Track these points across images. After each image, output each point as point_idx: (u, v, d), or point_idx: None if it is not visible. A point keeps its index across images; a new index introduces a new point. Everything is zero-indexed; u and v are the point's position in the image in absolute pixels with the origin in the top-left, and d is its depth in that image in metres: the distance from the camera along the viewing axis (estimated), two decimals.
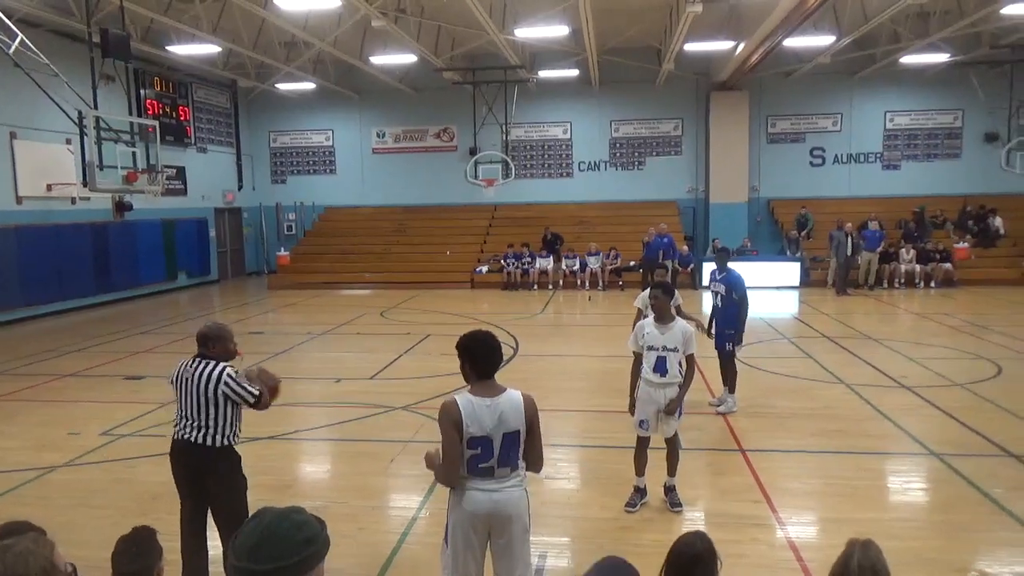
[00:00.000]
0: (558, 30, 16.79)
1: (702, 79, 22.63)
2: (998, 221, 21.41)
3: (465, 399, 3.55)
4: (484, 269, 21.64)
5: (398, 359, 11.85)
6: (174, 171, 20.83)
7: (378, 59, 19.73)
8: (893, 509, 6.20)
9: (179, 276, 21.79)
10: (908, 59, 20.15)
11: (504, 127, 22.63)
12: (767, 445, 7.49)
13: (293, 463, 7.55)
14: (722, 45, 18.57)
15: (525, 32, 16.96)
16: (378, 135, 25.22)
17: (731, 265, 9.33)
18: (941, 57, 20.02)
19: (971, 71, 21.53)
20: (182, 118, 22.00)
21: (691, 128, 23.82)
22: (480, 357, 3.60)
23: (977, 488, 6.22)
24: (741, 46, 17.67)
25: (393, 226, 24.20)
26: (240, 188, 25.19)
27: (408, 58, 19.65)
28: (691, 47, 18.32)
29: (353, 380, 10.51)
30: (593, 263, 20.83)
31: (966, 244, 20.63)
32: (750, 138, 23.09)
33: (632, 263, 20.51)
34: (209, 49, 18.47)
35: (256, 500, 3.93)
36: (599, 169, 24.42)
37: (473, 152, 22.72)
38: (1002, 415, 8.29)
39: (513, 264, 21.12)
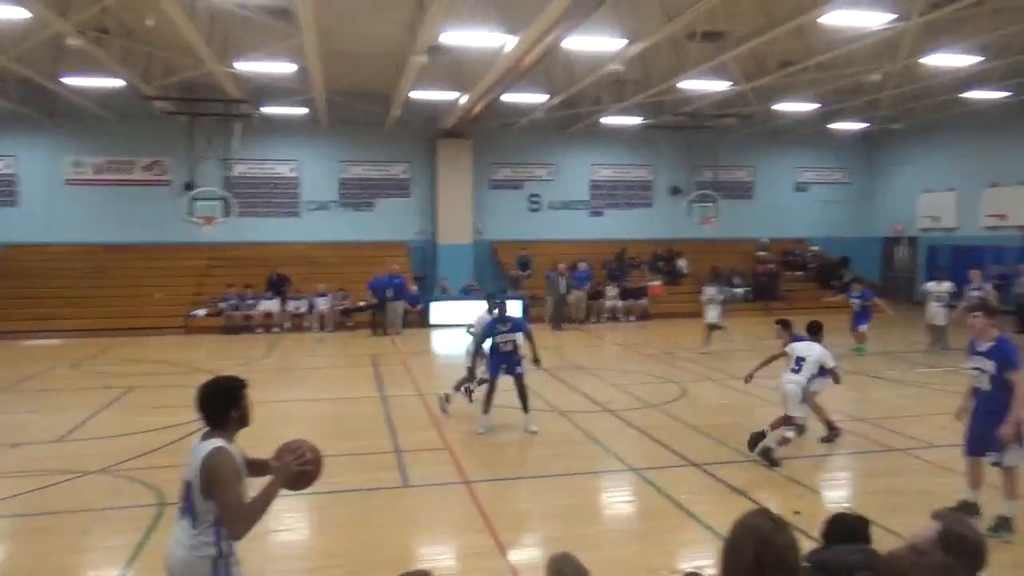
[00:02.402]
0: (284, 67, 16.32)
1: (429, 125, 23.41)
2: (683, 262, 24.80)
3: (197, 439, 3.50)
4: (201, 312, 20.06)
5: (94, 417, 10.43)
6: None
7: (75, 81, 17.57)
8: (600, 523, 6.74)
9: None
10: (607, 119, 22.71)
11: (225, 163, 21.38)
12: (489, 475, 7.75)
13: None
14: (447, 95, 19.41)
15: (247, 66, 16.26)
16: (74, 165, 22.38)
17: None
18: (635, 120, 22.85)
19: (658, 133, 24.83)
20: None
21: (420, 171, 24.46)
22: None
23: (668, 496, 6.99)
24: (464, 97, 18.63)
25: (92, 266, 21.48)
26: None
27: (112, 82, 17.74)
28: (417, 95, 18.90)
29: (35, 444, 9.02)
30: (322, 304, 20.31)
31: (658, 282, 23.58)
32: (475, 183, 24.28)
33: (362, 303, 20.34)
34: None
35: None
36: (328, 209, 24.02)
37: (189, 187, 21.11)
38: (686, 430, 9.46)
39: (234, 306, 19.85)
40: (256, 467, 3.64)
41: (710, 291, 16.29)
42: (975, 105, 20.93)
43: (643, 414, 10.38)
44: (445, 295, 21.93)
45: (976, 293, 13.19)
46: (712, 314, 15.89)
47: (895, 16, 12.70)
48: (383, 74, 19.36)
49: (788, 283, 24.62)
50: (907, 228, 26.00)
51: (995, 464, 6.08)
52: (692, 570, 2.67)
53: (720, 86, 18.13)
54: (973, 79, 18.28)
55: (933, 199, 24.88)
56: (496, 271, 24.76)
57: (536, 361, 9.75)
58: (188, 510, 3.38)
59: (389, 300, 19.67)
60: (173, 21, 12.31)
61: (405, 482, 7.53)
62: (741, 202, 26.58)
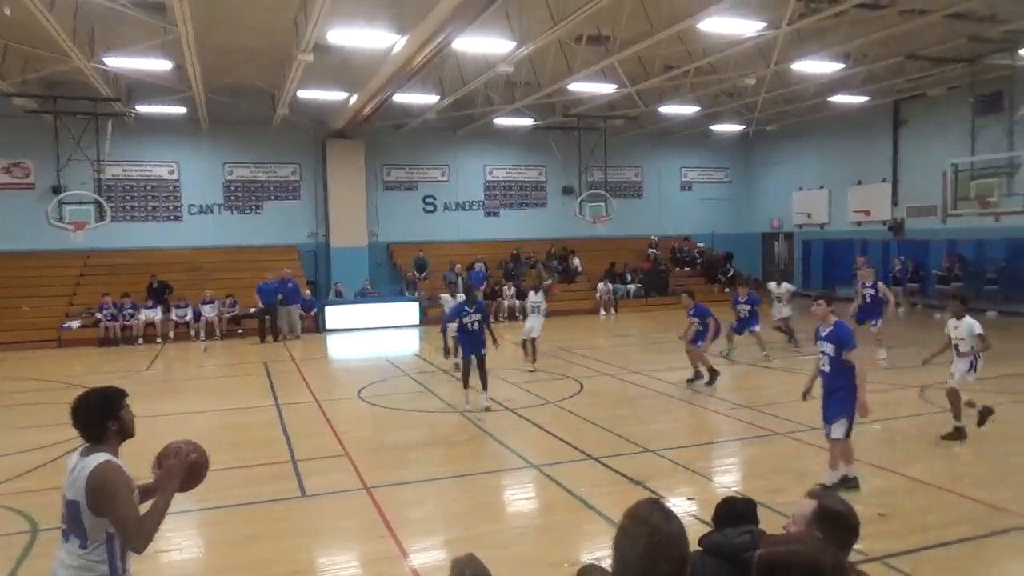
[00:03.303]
0: (159, 64, 15.51)
1: (318, 126, 22.85)
2: (576, 261, 25.32)
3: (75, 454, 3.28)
4: (75, 324, 18.78)
5: None
6: None
7: None
8: (502, 520, 6.77)
9: None
10: (500, 121, 22.88)
11: (96, 164, 20.09)
12: (389, 480, 7.64)
13: None
14: (335, 95, 19.01)
15: (119, 62, 15.34)
16: None
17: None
18: (526, 121, 23.13)
19: (550, 134, 25.24)
20: None
21: (309, 173, 23.83)
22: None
23: (567, 490, 7.10)
24: (354, 98, 18.29)
25: None
26: None
27: None
28: (305, 94, 18.41)
29: None
30: (208, 312, 19.46)
31: (553, 281, 23.95)
32: (367, 185, 23.91)
33: (252, 310, 19.62)
34: None
35: None
36: (213, 212, 23.02)
37: (57, 191, 19.68)
38: (584, 424, 9.66)
39: (111, 316, 18.70)
40: (148, 493, 3.42)
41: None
42: (840, 108, 22.45)
43: (542, 411, 10.52)
44: (340, 299, 21.47)
45: (869, 290, 13.34)
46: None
47: (766, 24, 13.45)
48: (268, 72, 18.75)
49: (677, 278, 25.57)
50: (784, 224, 27.56)
51: (826, 435, 6.70)
52: (591, 562, 2.72)
53: (607, 88, 18.63)
54: (837, 84, 19.61)
55: (806, 196, 26.51)
56: (392, 273, 24.48)
57: (495, 342, 10.92)
58: (75, 530, 3.16)
59: (279, 305, 19.06)
60: (30, 11, 11.45)
61: (303, 492, 7.32)
62: (631, 201, 27.41)
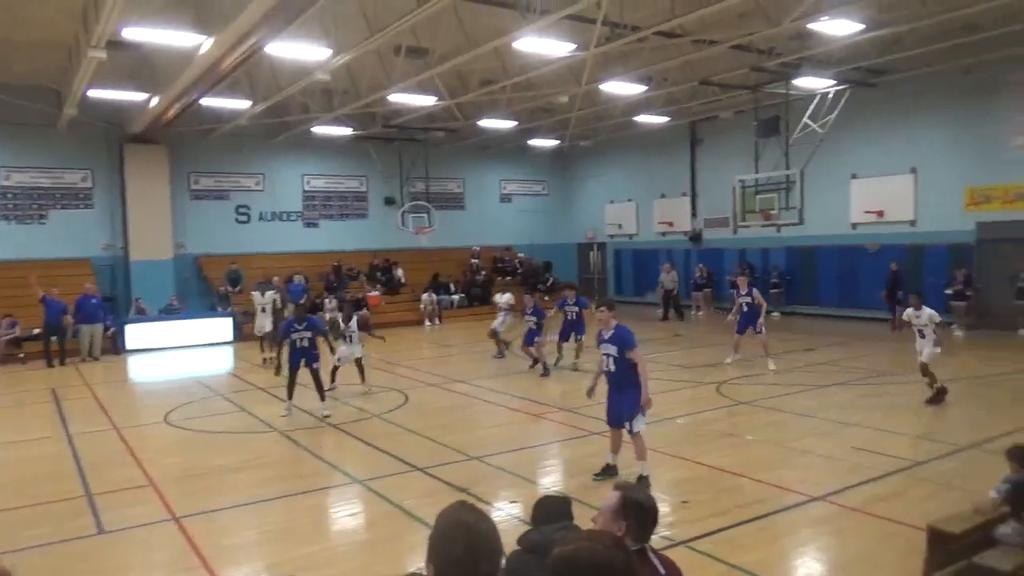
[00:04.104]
0: None
1: (114, 129, 20.99)
2: (400, 272, 25.15)
3: None
4: None
5: None
6: None
7: None
8: (326, 539, 6.56)
9: None
10: (318, 129, 22.26)
11: None
12: (202, 507, 7.15)
13: None
14: (134, 96, 17.58)
15: None
16: None
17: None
18: (346, 130, 22.68)
19: (370, 144, 24.90)
20: None
21: (104, 180, 21.78)
22: None
23: (392, 503, 7.03)
24: (156, 99, 17.01)
25: None
26: None
27: None
28: (97, 94, 16.83)
29: None
30: None
31: (377, 292, 23.66)
32: (173, 194, 22.28)
33: (36, 330, 17.59)
34: None
35: None
36: None
37: None
38: (409, 436, 9.60)
39: None
40: None
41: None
42: (644, 127, 24.14)
43: (365, 425, 10.34)
44: (142, 316, 19.82)
45: (744, 299, 13.59)
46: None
47: (575, 46, 14.19)
48: (53, 68, 17.04)
49: (499, 287, 26.12)
50: (597, 235, 29.11)
51: (628, 431, 7.21)
52: (415, 570, 2.73)
53: (427, 101, 18.75)
54: (641, 105, 21.08)
55: (616, 208, 28.19)
56: (203, 287, 22.98)
57: (332, 351, 11.76)
58: None
59: (69, 325, 17.26)
60: None
61: (100, 528, 6.66)
62: (453, 212, 27.71)
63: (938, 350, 10.43)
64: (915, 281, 18.72)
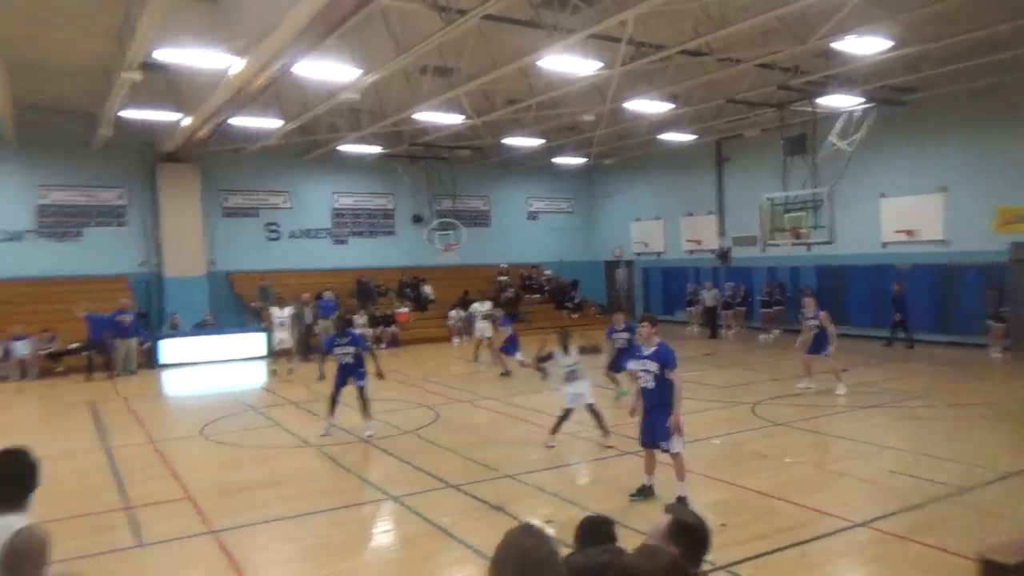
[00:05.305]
0: None
1: (147, 148, 21.38)
2: (428, 288, 25.28)
3: None
4: None
5: None
6: None
7: None
8: (361, 556, 6.58)
9: None
10: (346, 147, 22.51)
11: None
12: (238, 522, 7.20)
13: None
14: (166, 116, 17.90)
15: None
16: None
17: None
18: (374, 149, 22.91)
19: (398, 162, 25.14)
20: None
21: (138, 197, 22.19)
22: None
23: (428, 520, 7.02)
24: (188, 119, 17.33)
25: None
26: None
27: None
28: (131, 114, 17.16)
29: None
30: (21, 349, 17.54)
31: (406, 309, 23.78)
32: (205, 211, 22.65)
33: (74, 344, 17.89)
34: None
35: None
36: (22, 240, 20.82)
37: None
38: (442, 453, 9.61)
39: None
40: None
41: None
42: (670, 145, 24.10)
43: (398, 440, 10.36)
44: (177, 331, 20.10)
45: (812, 322, 12.94)
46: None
47: (601, 64, 14.25)
48: (88, 90, 17.36)
49: (527, 305, 26.16)
50: (624, 252, 29.05)
51: (665, 451, 7.11)
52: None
53: (453, 119, 18.88)
54: (666, 123, 21.08)
55: (643, 226, 28.13)
56: (234, 303, 23.23)
57: (379, 374, 11.02)
58: None
59: (108, 339, 17.59)
60: None
61: (140, 541, 6.74)
62: (480, 229, 27.81)
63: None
64: (949, 301, 18.52)
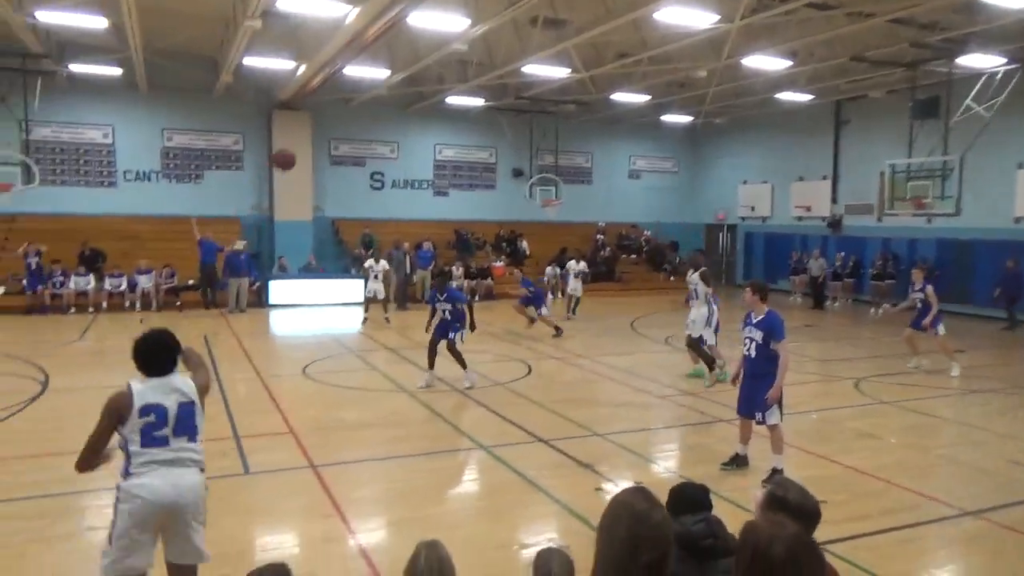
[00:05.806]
0: (94, 21, 14.74)
1: (263, 95, 22.17)
2: (525, 244, 25.34)
3: (136, 381, 3.90)
4: None
5: None
6: None
7: None
8: (450, 502, 6.76)
9: None
10: (452, 99, 22.61)
11: (24, 124, 19.12)
12: (336, 459, 7.53)
13: None
14: (283, 64, 18.44)
15: (49, 16, 14.53)
16: None
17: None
18: (478, 101, 22.93)
19: (502, 116, 25.07)
20: None
21: (253, 144, 23.16)
22: (138, 359, 3.95)
23: (516, 472, 7.12)
24: (303, 68, 17.80)
25: None
26: None
27: None
28: (251, 62, 17.79)
29: None
30: (144, 282, 18.79)
31: (502, 263, 23.94)
32: (314, 158, 23.37)
33: (191, 281, 19.03)
34: None
35: None
36: (150, 180, 22.18)
37: None
38: (532, 407, 9.69)
39: (40, 284, 17.89)
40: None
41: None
42: (785, 105, 22.94)
43: (490, 392, 10.50)
44: (284, 273, 21.01)
45: (918, 295, 12.24)
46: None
47: (719, 17, 13.61)
48: (211, 37, 18.09)
49: (624, 266, 25.84)
50: (728, 216, 28.12)
51: (759, 423, 6.89)
52: (549, 545, 2.71)
53: (561, 72, 18.58)
54: (784, 81, 20.03)
55: (750, 190, 27.07)
56: (338, 249, 24.05)
57: (472, 327, 10.95)
58: (194, 428, 3.91)
59: (223, 278, 18.68)
60: None
61: (247, 470, 7.15)
62: (580, 186, 27.52)
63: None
64: None
